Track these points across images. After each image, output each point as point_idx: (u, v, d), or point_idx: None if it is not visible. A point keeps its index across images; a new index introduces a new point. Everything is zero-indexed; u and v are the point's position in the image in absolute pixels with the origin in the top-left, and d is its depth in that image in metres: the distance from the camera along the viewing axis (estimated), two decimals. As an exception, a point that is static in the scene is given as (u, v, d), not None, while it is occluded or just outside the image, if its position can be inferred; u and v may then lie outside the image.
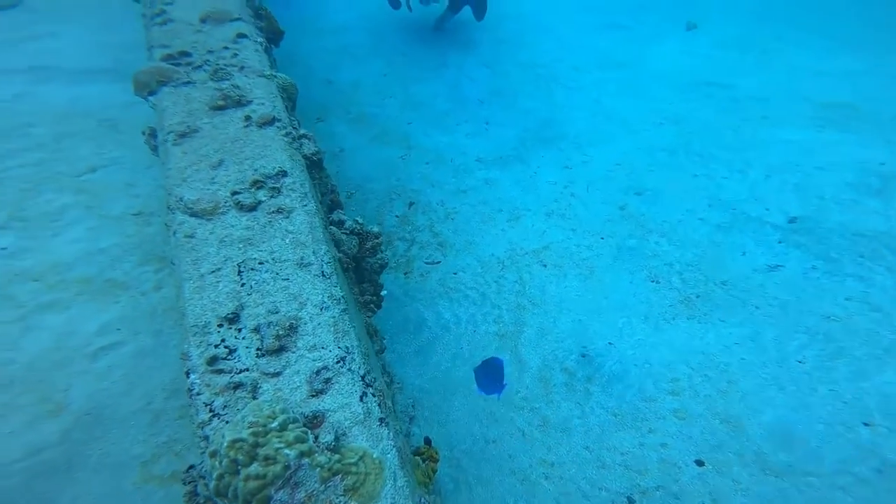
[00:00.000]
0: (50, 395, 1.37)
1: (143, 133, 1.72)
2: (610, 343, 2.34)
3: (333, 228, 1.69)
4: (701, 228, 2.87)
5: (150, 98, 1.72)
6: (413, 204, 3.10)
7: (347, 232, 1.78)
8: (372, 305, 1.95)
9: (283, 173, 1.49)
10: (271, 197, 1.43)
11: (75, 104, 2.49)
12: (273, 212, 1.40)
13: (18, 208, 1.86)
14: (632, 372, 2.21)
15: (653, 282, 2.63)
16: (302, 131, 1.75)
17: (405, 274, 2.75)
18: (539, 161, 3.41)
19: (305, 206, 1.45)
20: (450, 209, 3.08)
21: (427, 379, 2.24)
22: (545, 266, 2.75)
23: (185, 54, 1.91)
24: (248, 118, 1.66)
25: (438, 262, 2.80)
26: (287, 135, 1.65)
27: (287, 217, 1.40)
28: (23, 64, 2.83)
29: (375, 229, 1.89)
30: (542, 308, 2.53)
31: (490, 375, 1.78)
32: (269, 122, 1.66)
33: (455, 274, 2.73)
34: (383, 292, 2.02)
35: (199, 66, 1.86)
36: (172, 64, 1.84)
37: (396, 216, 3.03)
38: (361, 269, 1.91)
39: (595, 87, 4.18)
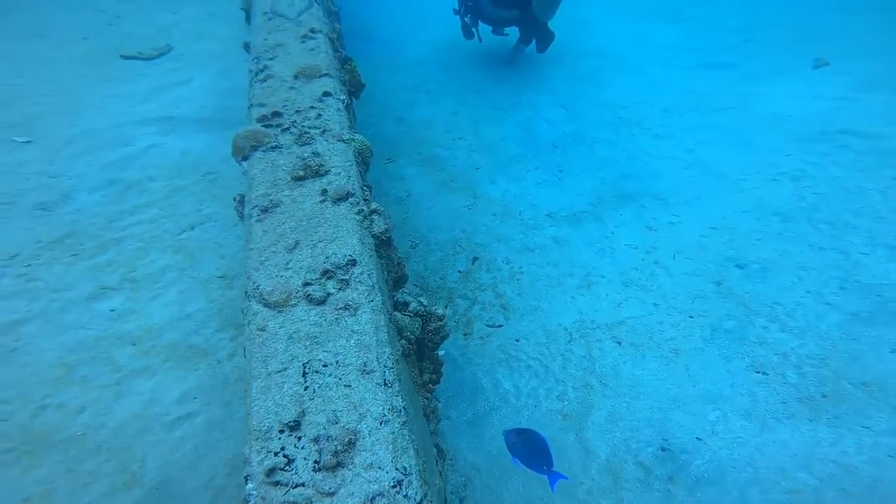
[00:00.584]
0: (128, 464, 1.45)
1: (234, 199, 1.82)
2: (698, 438, 2.04)
3: (398, 314, 1.64)
4: (829, 316, 2.43)
5: (244, 163, 1.81)
6: (477, 259, 3.01)
7: (411, 314, 1.72)
8: (430, 385, 1.86)
9: (353, 262, 1.47)
10: (340, 289, 1.41)
11: (186, 157, 2.78)
12: (340, 308, 1.37)
13: (130, 268, 2.08)
14: (729, 476, 1.89)
15: (758, 373, 2.27)
16: (373, 205, 1.73)
17: (465, 335, 2.65)
18: (617, 220, 3.15)
19: (371, 300, 1.41)
20: (515, 268, 2.93)
21: (482, 456, 2.10)
22: (619, 343, 2.49)
23: (277, 114, 2.02)
24: (324, 192, 1.68)
25: (500, 326, 2.66)
26: (359, 212, 1.65)
27: (353, 315, 1.37)
28: (159, 113, 3.22)
29: (440, 311, 1.81)
30: (614, 390, 2.29)
31: (531, 449, 1.59)
32: (344, 196, 1.66)
33: (517, 341, 2.58)
34: (441, 352, 1.93)
35: (287, 128, 1.94)
36: (265, 125, 1.94)
37: (459, 271, 2.95)
38: (422, 347, 1.84)
39: (688, 134, 3.81)
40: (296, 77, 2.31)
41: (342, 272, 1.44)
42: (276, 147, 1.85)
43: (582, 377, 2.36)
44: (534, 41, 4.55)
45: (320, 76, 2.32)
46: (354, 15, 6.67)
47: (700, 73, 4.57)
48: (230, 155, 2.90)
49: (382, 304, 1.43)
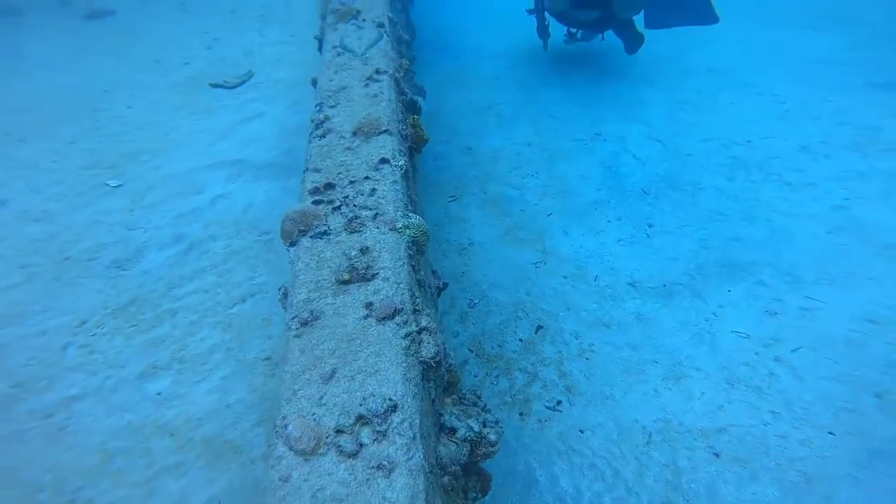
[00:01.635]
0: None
1: (280, 291, 1.75)
2: None
3: (442, 448, 1.44)
4: None
5: (291, 250, 1.73)
6: (541, 328, 2.70)
7: (459, 441, 1.51)
8: (476, 500, 1.65)
9: (393, 408, 1.29)
10: (375, 441, 1.24)
11: (247, 212, 2.86)
12: (373, 466, 1.20)
13: (181, 346, 2.15)
14: None
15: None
16: (424, 321, 1.54)
17: (521, 415, 2.38)
18: (723, 297, 2.62)
19: (410, 458, 1.21)
20: (585, 345, 2.58)
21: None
22: (718, 455, 2.07)
23: (330, 186, 1.91)
24: (369, 306, 1.52)
25: (562, 411, 2.35)
26: (406, 335, 1.47)
27: (388, 476, 1.18)
28: (231, 154, 3.33)
29: (493, 436, 1.57)
30: (710, 519, 1.88)
31: None
32: (390, 315, 1.49)
33: (581, 432, 2.25)
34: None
35: (338, 207, 1.83)
36: (316, 201, 1.85)
37: (520, 340, 2.67)
38: (469, 467, 1.63)
39: (838, 184, 3.02)
40: (354, 133, 2.19)
41: (379, 420, 1.26)
42: (325, 233, 1.73)
43: (663, 492, 1.98)
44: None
45: (380, 133, 2.18)
46: (431, 21, 6.54)
47: (865, 98, 3.61)
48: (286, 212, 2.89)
49: (422, 464, 1.23)
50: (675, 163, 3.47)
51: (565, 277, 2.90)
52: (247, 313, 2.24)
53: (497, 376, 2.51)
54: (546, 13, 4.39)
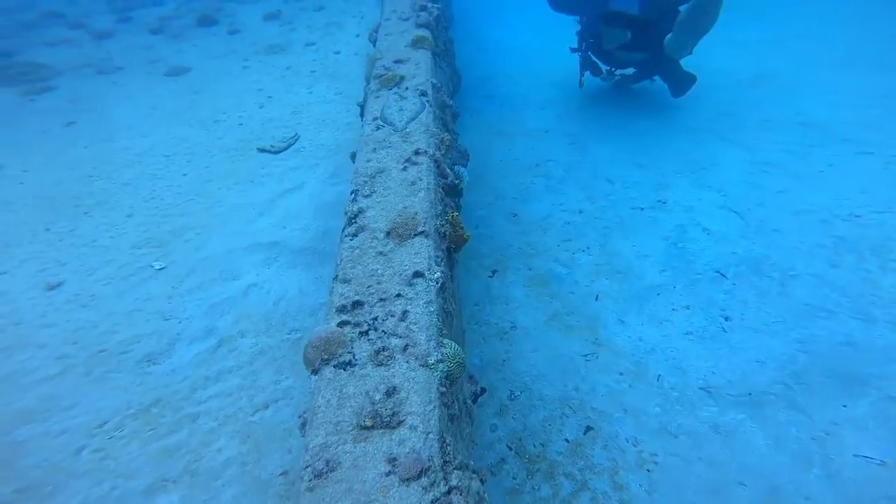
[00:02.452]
0: None
1: (299, 419, 1.65)
2: None
3: None
4: None
5: (312, 378, 1.64)
6: (591, 430, 2.39)
7: None
8: None
9: None
10: None
11: (278, 306, 2.85)
12: None
13: (196, 457, 2.10)
14: None
15: None
16: (454, 479, 1.35)
17: None
18: (836, 413, 2.17)
19: None
20: (646, 455, 2.23)
21: None
22: None
23: (358, 305, 1.82)
24: (392, 461, 1.36)
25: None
26: (433, 501, 1.27)
27: None
28: (268, 235, 3.36)
29: None
30: None
31: None
32: (416, 476, 1.32)
33: None
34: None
35: (366, 332, 1.72)
36: (342, 323, 1.76)
37: (566, 440, 2.38)
38: None
39: None
40: (388, 234, 2.10)
41: None
42: (350, 364, 1.62)
43: None
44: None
45: (415, 234, 2.07)
46: (477, 66, 6.59)
47: None
48: (316, 307, 2.86)
49: None
50: (759, 241, 3.03)
51: (621, 374, 2.57)
52: (268, 422, 2.16)
53: (539, 480, 2.23)
54: (590, 53, 4.36)
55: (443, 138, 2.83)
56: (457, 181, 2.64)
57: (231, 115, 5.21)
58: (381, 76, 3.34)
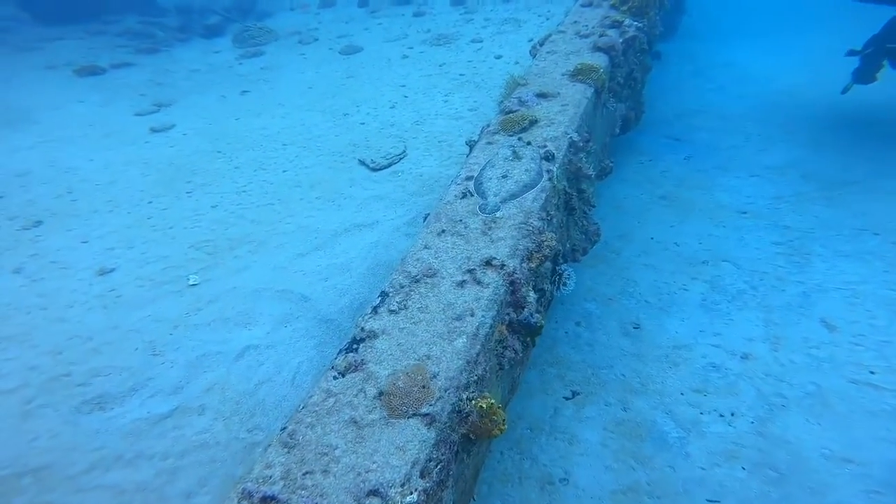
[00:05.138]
0: None
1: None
2: None
3: None
4: None
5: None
6: None
7: None
8: None
9: None
10: None
11: (257, 390, 2.35)
12: None
13: None
14: None
15: None
16: None
17: None
18: None
19: None
20: None
21: None
22: None
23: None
24: None
25: None
26: None
27: None
28: (305, 281, 2.94)
29: None
30: None
31: None
32: None
33: None
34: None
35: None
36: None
37: None
38: None
39: None
40: (380, 396, 1.37)
41: None
42: None
43: None
44: None
45: (414, 414, 1.30)
46: (683, 92, 5.43)
47: None
48: (294, 410, 2.28)
49: None
50: None
51: None
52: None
53: None
54: (882, 56, 3.74)
55: (541, 243, 1.87)
56: (534, 319, 1.70)
57: (362, 109, 5.18)
58: (508, 113, 2.57)
